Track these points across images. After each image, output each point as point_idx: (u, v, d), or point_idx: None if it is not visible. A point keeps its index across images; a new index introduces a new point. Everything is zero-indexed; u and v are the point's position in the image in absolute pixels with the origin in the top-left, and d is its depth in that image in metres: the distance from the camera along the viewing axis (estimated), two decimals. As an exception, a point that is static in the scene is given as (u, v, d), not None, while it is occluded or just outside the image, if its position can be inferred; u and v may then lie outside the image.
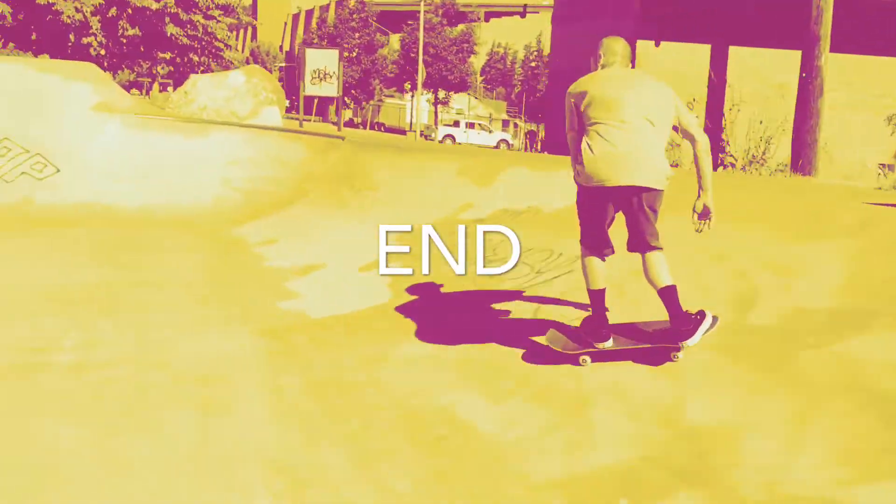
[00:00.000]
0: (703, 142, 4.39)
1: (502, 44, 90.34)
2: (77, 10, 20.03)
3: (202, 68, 27.20)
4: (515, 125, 68.30)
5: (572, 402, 4.23)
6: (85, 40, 20.49)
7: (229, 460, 3.85)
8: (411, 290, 6.21)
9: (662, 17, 16.58)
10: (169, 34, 21.77)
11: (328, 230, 8.77)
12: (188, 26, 22.28)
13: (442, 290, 6.15)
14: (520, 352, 4.86)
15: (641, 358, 4.39)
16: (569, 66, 22.53)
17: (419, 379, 4.81)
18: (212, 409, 4.45)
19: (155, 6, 20.86)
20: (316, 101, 31.12)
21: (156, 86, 46.89)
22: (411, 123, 49.64)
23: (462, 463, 3.83)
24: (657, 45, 16.19)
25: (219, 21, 23.15)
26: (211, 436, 4.14)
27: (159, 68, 29.83)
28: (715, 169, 7.75)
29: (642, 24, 17.20)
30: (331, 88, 20.23)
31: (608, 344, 4.37)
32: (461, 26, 49.42)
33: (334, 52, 20.58)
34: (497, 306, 5.64)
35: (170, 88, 50.03)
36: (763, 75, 19.43)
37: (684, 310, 4.21)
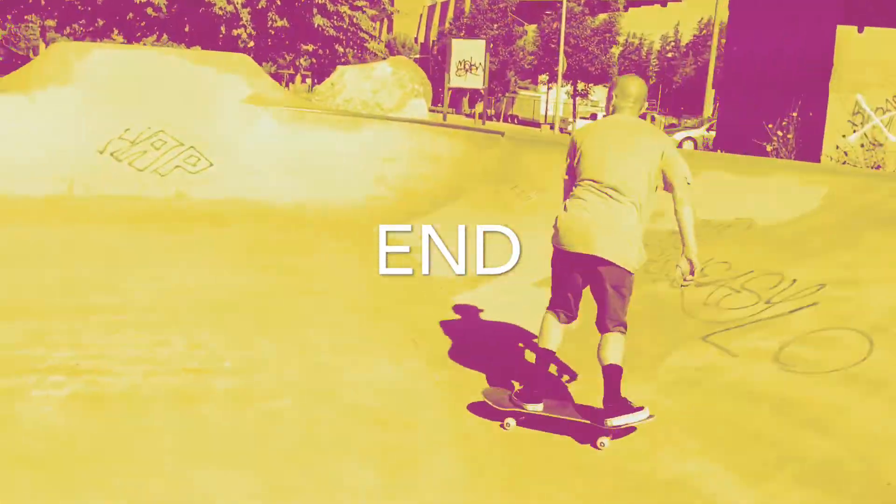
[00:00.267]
0: (684, 196, 4.02)
1: (637, 34, 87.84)
2: (228, 1, 20.17)
3: (342, 59, 27.14)
4: (653, 118, 65.88)
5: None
6: (235, 32, 20.65)
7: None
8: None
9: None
10: (316, 25, 21.64)
11: (494, 236, 7.99)
12: (335, 17, 22.10)
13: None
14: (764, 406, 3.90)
15: (567, 430, 4.05)
16: (747, 52, 20.73)
17: (640, 440, 3.95)
18: (392, 461, 3.75)
19: (303, -4, 20.81)
20: (449, 92, 30.55)
21: (298, 78, 47.74)
22: (546, 116, 48.43)
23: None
24: (860, 30, 14.48)
25: (364, 11, 22.89)
26: (398, 500, 3.43)
27: (302, 60, 30.06)
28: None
29: (845, 7, 15.44)
30: (476, 80, 19.55)
31: (538, 408, 4.11)
32: (603, 15, 47.72)
33: (481, 43, 19.91)
34: (717, 339, 4.70)
35: (308, 81, 50.95)
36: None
37: (623, 396, 3.97)
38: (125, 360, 4.77)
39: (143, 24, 22.80)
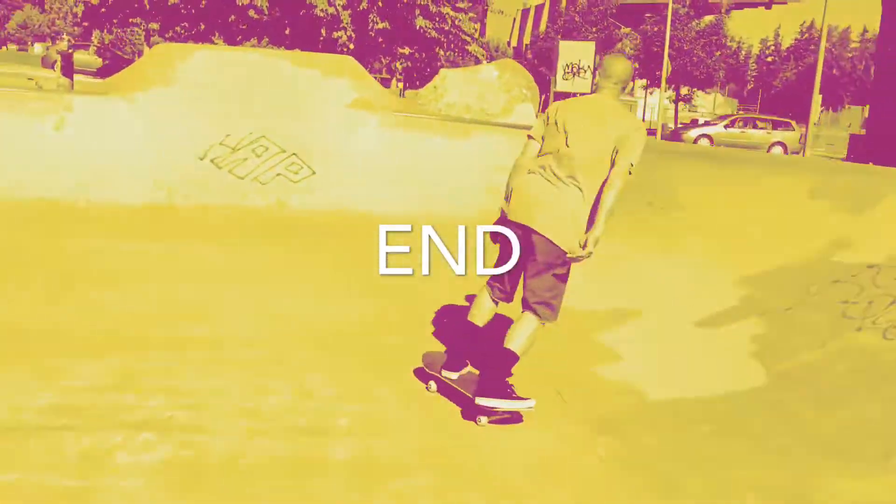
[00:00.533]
0: (618, 181, 3.90)
1: (735, 38, 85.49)
2: (329, 3, 19.68)
3: (439, 63, 26.46)
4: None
5: None
6: (335, 34, 20.16)
7: None
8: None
9: None
10: (418, 27, 20.94)
11: (631, 261, 7.01)
12: (437, 18, 21.37)
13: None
14: None
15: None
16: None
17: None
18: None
19: (406, -2, 20.13)
20: (553, 97, 29.55)
21: (393, 82, 47.32)
22: (642, 121, 46.65)
23: None
24: None
25: (466, 13, 22.10)
26: None
27: (398, 63, 29.51)
28: None
29: None
30: (583, 84, 18.44)
31: (451, 376, 4.34)
32: (709, 17, 45.64)
33: (590, 45, 18.84)
34: None
35: (399, 85, 50.51)
36: None
37: (509, 383, 4.11)
38: (224, 412, 4.02)
39: (244, 27, 22.61)
